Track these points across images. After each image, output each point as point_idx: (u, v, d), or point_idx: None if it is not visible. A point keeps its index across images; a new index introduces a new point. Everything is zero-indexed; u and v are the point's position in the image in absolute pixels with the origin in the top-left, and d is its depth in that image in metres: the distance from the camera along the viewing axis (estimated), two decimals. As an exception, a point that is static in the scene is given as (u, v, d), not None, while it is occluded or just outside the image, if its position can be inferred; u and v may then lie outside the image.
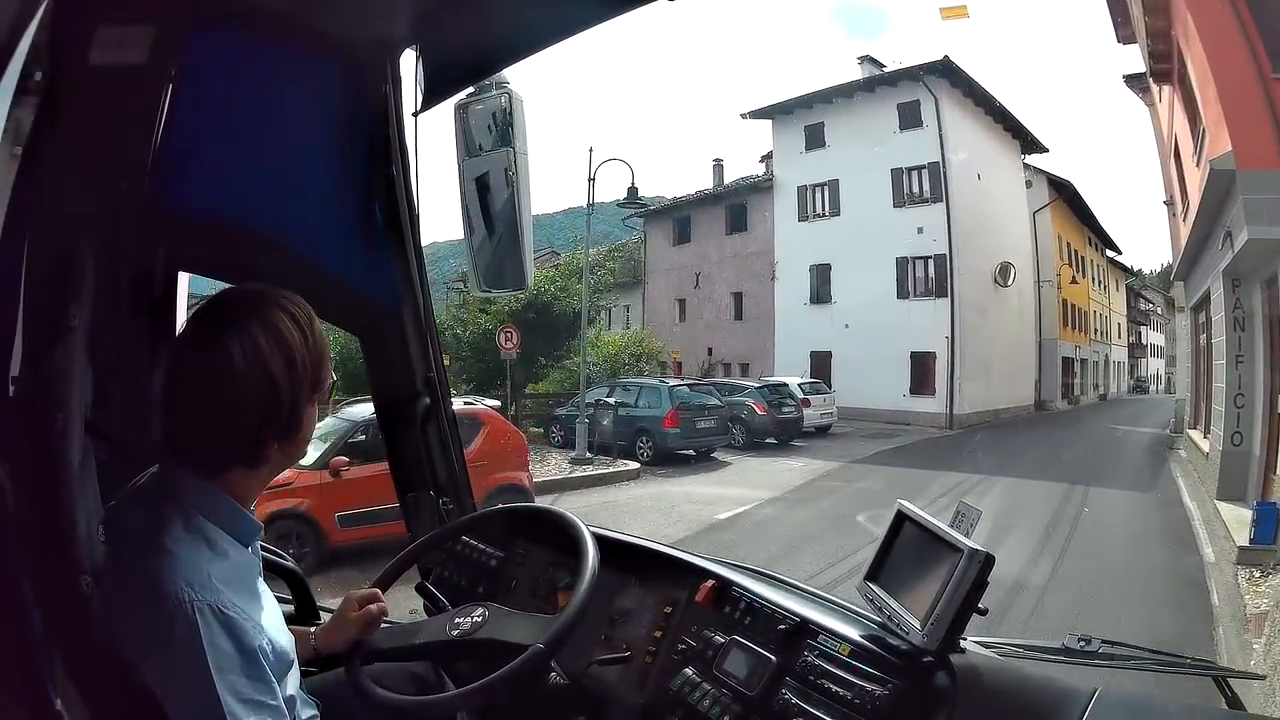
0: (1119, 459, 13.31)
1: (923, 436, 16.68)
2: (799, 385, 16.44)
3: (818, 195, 21.44)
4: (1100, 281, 30.87)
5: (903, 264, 19.85)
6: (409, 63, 1.43)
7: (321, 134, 1.43)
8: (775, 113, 22.04)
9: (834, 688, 1.14)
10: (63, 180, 0.82)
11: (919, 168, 19.46)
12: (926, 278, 19.53)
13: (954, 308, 18.81)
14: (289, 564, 1.58)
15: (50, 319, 0.80)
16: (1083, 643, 1.21)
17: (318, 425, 1.55)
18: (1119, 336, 34.73)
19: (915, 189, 19.62)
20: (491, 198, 1.46)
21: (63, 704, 0.72)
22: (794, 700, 1.16)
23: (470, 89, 1.44)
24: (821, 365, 20.49)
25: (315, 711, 1.11)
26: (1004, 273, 20.31)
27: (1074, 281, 24.81)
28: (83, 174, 0.85)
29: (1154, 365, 41.89)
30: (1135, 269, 37.36)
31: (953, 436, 17.05)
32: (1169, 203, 13.06)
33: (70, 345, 0.81)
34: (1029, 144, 22.50)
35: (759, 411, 14.46)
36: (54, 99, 0.83)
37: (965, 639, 1.13)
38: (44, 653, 0.73)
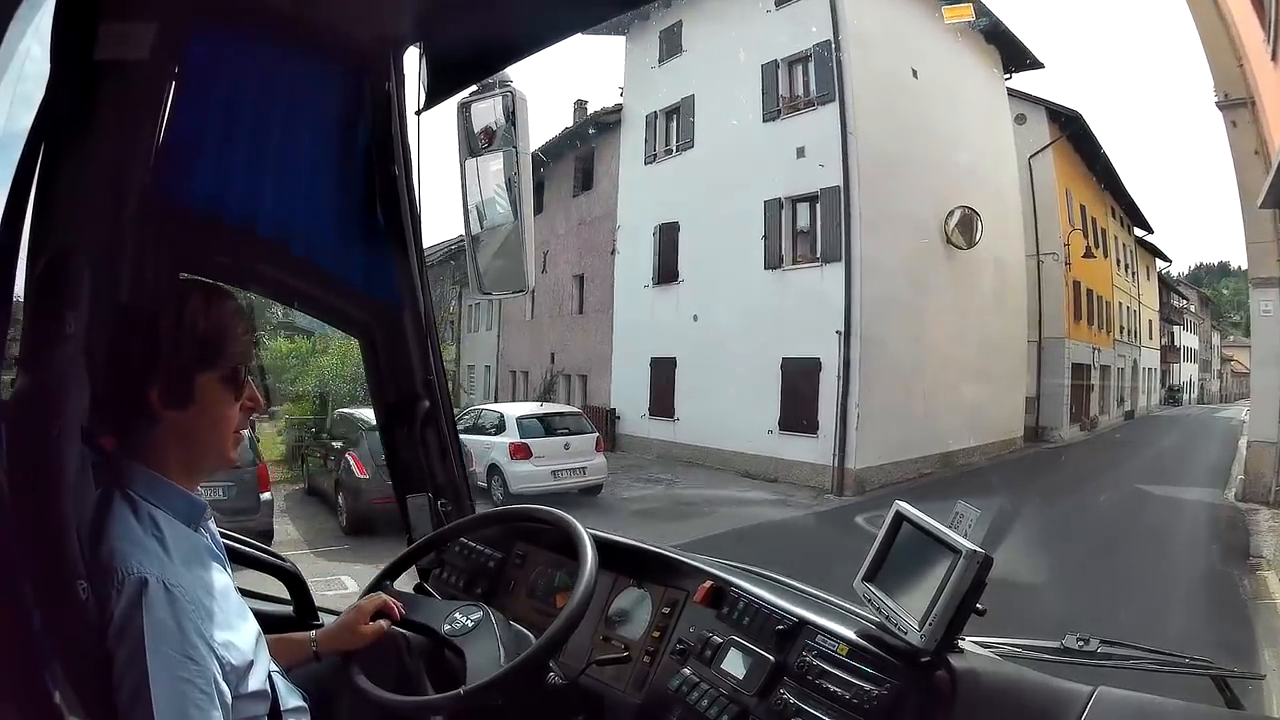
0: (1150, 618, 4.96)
1: (761, 518, 9.39)
2: (520, 420, 10.12)
3: (669, 123, 14.11)
4: (1127, 266, 23.12)
5: (773, 211, 12.04)
6: (411, 61, 1.43)
7: (323, 133, 1.44)
8: (626, 22, 14.55)
9: (832, 687, 1.14)
10: (63, 182, 0.83)
11: (801, 58, 11.94)
12: (812, 231, 11.83)
13: (851, 280, 11.07)
14: (288, 565, 1.58)
15: (48, 325, 0.80)
16: (1081, 642, 1.21)
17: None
18: (1150, 337, 26.49)
19: (796, 89, 12.16)
20: (493, 197, 1.47)
21: (63, 704, 0.73)
22: (792, 700, 1.16)
23: (473, 88, 1.44)
24: (663, 378, 13.61)
25: (303, 702, 1.11)
26: (965, 227, 12.29)
27: (1089, 255, 17.47)
28: (83, 175, 0.85)
29: (1187, 371, 34.97)
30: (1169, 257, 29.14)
31: (823, 516, 9.49)
32: (1228, 102, 7.70)
33: (68, 352, 0.81)
34: (1015, 57, 14.05)
35: (359, 473, 8.07)
36: (55, 99, 0.83)
37: (963, 639, 1.13)
38: (44, 654, 0.73)
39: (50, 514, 0.78)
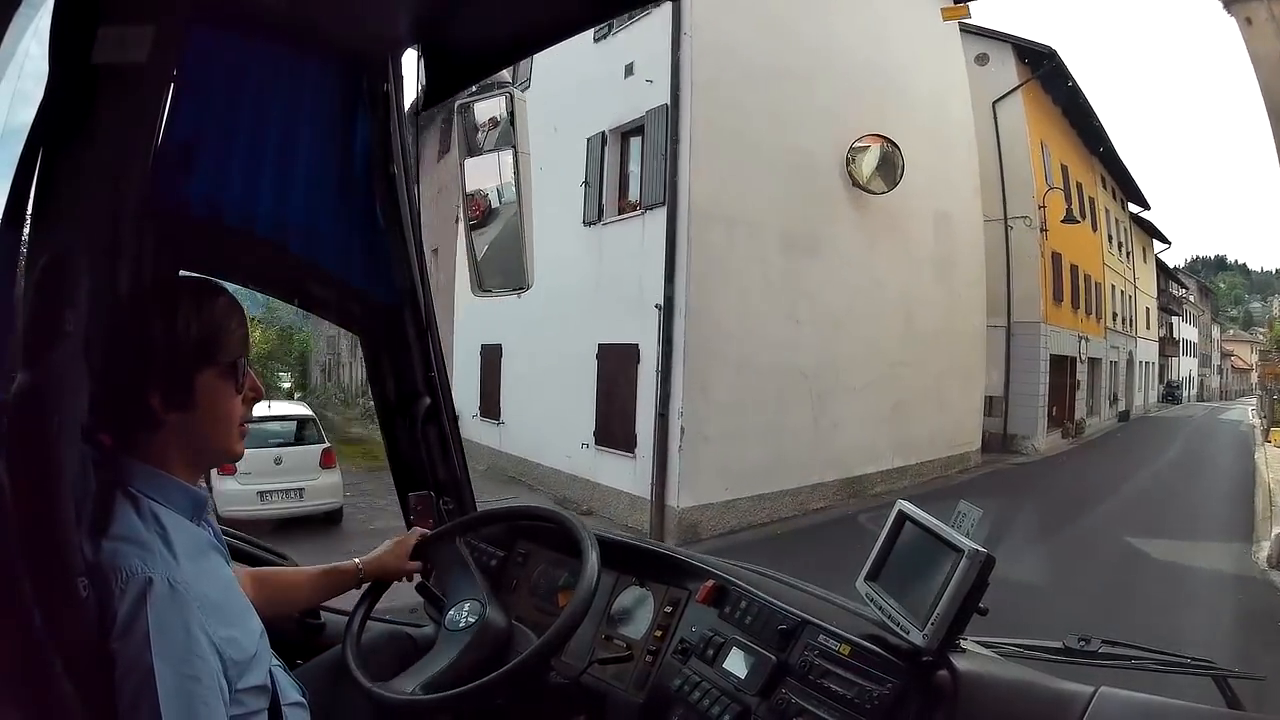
0: None
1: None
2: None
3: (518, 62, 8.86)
4: (1121, 243, 19.92)
5: (595, 149, 9.12)
6: (410, 62, 1.44)
7: (323, 134, 1.44)
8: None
9: (834, 687, 1.14)
10: (62, 181, 0.83)
11: (641, -49, 7.46)
12: (642, 171, 8.52)
13: (677, 231, 7.70)
14: (288, 563, 1.58)
15: (47, 323, 0.80)
16: (1083, 643, 1.22)
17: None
18: (1148, 327, 23.70)
19: (632, -7, 7.64)
20: (492, 197, 1.47)
21: (64, 703, 0.73)
22: (794, 699, 1.17)
23: (472, 89, 1.45)
24: (492, 370, 10.99)
25: (302, 698, 1.12)
26: (886, 169, 9.00)
27: (1070, 219, 13.76)
28: (82, 174, 0.85)
29: (1186, 366, 32.26)
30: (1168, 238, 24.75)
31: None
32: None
33: (67, 350, 0.81)
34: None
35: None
36: (54, 98, 0.83)
37: (965, 639, 1.13)
38: (45, 653, 0.73)
39: (51, 511, 0.78)
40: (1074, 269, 15.61)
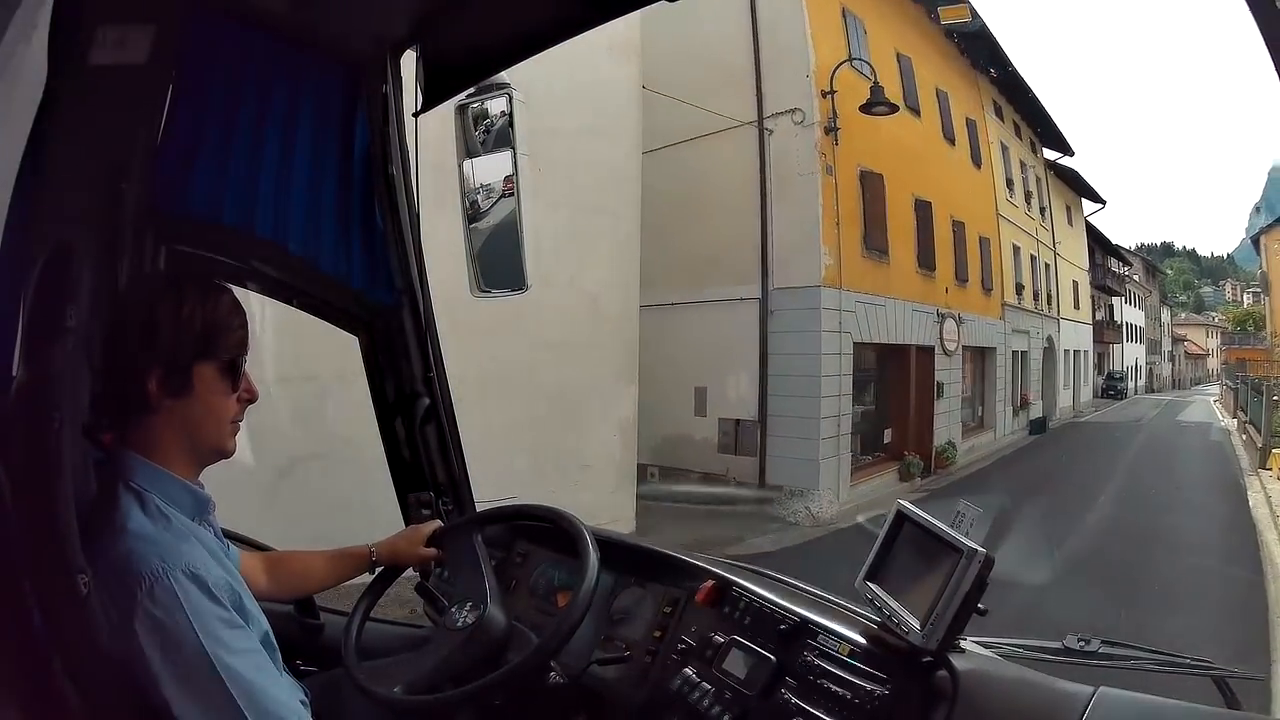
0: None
1: None
2: None
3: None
4: (1030, 194, 15.16)
5: None
6: (409, 63, 1.44)
7: (322, 134, 1.44)
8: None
9: (833, 687, 1.14)
10: (62, 180, 0.83)
11: None
12: None
13: None
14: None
15: (48, 319, 0.80)
16: (1082, 643, 1.21)
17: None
18: (1077, 306, 18.87)
19: None
20: (491, 198, 1.47)
21: (65, 702, 0.73)
22: (793, 700, 1.16)
23: (471, 90, 1.45)
24: None
25: (304, 696, 1.12)
26: None
27: (878, 106, 7.89)
28: (83, 174, 0.86)
29: (1131, 354, 27.53)
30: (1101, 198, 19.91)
31: None
32: None
33: (67, 345, 0.81)
34: None
35: None
36: (54, 99, 0.83)
37: (965, 639, 1.13)
38: (45, 651, 0.74)
39: (50, 508, 0.79)
40: (924, 207, 9.84)
